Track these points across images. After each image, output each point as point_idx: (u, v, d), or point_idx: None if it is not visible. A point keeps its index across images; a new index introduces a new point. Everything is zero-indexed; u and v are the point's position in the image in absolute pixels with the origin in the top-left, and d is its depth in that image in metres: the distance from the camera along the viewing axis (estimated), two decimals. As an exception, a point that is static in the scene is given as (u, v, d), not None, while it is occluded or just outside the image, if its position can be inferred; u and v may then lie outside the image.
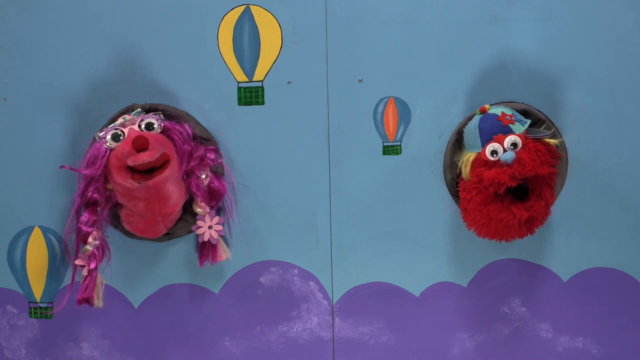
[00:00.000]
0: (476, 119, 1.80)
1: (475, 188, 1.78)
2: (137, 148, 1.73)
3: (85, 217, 1.83)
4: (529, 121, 1.80)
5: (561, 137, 1.87)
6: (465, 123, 1.86)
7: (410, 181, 1.92)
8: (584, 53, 1.86)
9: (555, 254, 1.94)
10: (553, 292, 1.95)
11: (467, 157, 1.81)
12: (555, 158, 1.80)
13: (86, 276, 1.84)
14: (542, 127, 1.84)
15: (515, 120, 1.77)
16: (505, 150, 1.75)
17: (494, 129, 1.77)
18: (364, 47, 1.88)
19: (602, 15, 1.85)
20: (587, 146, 1.89)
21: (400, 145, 1.91)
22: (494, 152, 1.75)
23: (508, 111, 1.79)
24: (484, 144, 1.77)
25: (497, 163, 1.75)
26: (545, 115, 1.87)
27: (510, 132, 1.76)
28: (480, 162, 1.77)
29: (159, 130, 1.82)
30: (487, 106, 1.80)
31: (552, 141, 1.80)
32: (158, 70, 1.90)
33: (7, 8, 1.89)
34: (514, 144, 1.75)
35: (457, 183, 1.87)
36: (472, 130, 1.80)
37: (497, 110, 1.79)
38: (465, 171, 1.81)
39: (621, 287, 1.94)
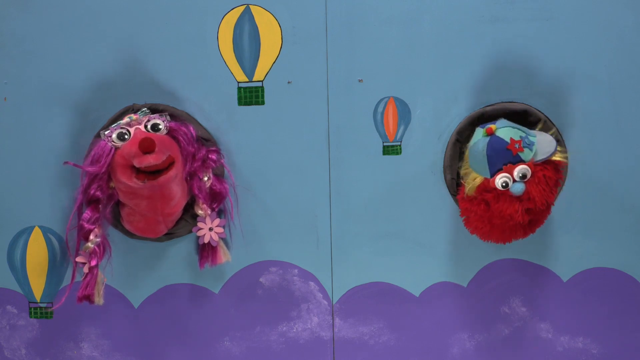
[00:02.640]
0: (483, 141, 1.77)
1: (478, 204, 1.78)
2: (144, 150, 1.73)
3: (87, 214, 1.83)
4: (535, 141, 1.77)
5: (561, 136, 1.87)
6: (465, 123, 1.86)
7: (410, 181, 1.92)
8: (584, 53, 1.86)
9: (555, 254, 1.94)
10: (553, 292, 1.95)
11: (474, 179, 1.79)
12: (563, 172, 1.82)
13: (87, 273, 1.84)
14: (540, 128, 1.84)
15: (524, 146, 1.75)
16: (514, 180, 1.75)
17: (503, 160, 1.75)
18: (364, 47, 1.88)
19: (602, 15, 1.85)
20: (587, 146, 1.89)
21: (400, 145, 1.91)
22: (504, 184, 1.74)
23: (515, 136, 1.75)
24: (493, 173, 1.75)
25: (506, 192, 1.75)
26: (545, 115, 1.87)
27: (519, 161, 1.75)
28: (487, 187, 1.76)
29: (164, 132, 1.82)
30: (493, 127, 1.76)
31: (559, 158, 1.79)
32: (158, 70, 1.90)
33: (7, 8, 1.89)
34: (524, 175, 1.75)
35: (458, 184, 1.87)
36: (479, 155, 1.77)
37: (504, 134, 1.75)
38: (470, 189, 1.80)
39: (621, 287, 1.94)
